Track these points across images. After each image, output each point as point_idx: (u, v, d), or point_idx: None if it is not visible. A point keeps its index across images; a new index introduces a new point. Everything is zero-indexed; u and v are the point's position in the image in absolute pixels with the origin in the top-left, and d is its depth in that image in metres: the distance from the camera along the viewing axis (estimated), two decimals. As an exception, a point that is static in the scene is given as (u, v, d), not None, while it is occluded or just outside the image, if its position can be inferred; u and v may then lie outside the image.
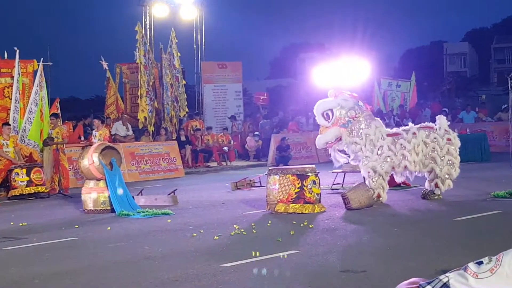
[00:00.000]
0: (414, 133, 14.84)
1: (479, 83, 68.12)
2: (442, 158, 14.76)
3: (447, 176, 14.78)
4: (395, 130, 15.30)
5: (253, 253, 9.28)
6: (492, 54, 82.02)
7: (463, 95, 56.61)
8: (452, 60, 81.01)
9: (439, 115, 15.92)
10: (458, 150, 15.06)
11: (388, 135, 14.82)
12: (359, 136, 14.61)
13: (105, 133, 19.77)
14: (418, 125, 15.43)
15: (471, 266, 1.54)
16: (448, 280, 1.56)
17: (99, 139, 19.32)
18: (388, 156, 14.60)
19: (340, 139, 14.76)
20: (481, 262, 1.53)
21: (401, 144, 14.64)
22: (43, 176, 18.69)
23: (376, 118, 15.55)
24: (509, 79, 14.50)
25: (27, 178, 18.34)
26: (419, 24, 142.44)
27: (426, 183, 15.17)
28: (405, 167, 14.72)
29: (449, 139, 14.95)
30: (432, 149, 14.77)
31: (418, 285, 1.69)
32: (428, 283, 1.67)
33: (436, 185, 14.87)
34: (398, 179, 15.46)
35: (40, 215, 14.96)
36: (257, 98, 38.96)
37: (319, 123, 15.17)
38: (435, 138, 14.86)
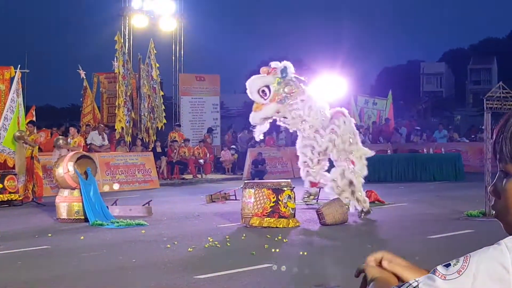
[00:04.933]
0: None
1: (455, 104, 68.68)
2: None
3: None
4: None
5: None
6: (468, 75, 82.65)
7: (439, 115, 57.08)
8: (428, 79, 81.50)
9: None
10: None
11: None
12: (298, 110, 14.92)
13: (80, 141, 19.65)
14: None
15: (439, 268, 1.59)
16: (418, 285, 1.61)
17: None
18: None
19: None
20: (449, 264, 1.59)
21: None
22: (16, 183, 18.51)
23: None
24: (484, 100, 14.60)
25: (1, 186, 18.14)
26: (397, 42, 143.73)
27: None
28: None
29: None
30: None
31: None
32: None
33: None
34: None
35: (13, 223, 14.82)
36: None
37: (254, 99, 15.22)
38: None
